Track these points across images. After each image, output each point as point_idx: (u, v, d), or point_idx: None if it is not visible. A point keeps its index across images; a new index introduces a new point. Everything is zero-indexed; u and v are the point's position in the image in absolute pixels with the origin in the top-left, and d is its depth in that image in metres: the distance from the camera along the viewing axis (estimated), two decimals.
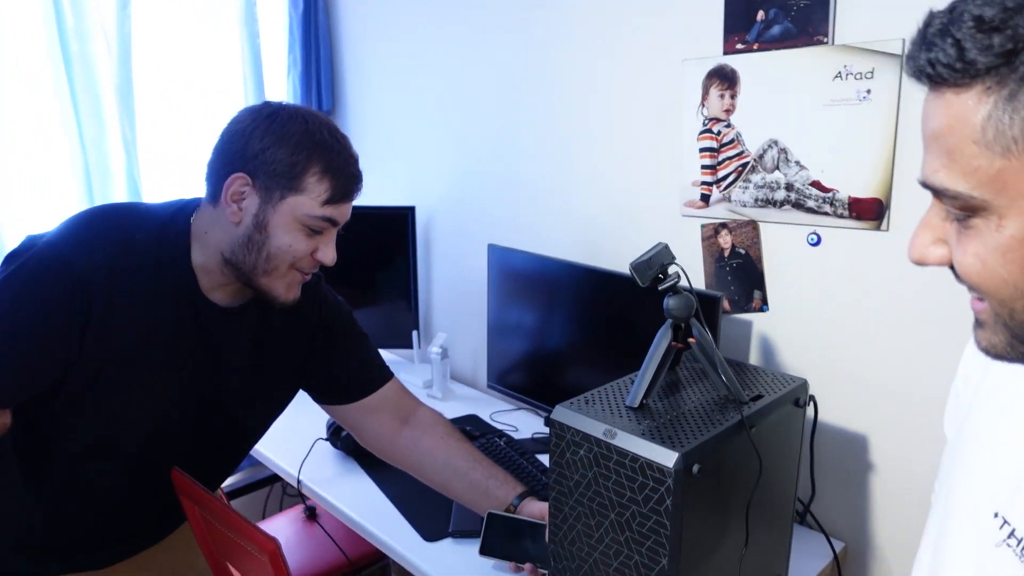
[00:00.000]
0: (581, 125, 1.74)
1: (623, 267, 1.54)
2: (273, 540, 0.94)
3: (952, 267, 0.50)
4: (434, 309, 2.32)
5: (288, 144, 1.01)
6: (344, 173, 1.05)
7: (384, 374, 1.31)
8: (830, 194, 1.32)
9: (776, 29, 1.34)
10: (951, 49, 0.43)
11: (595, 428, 0.92)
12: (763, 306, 1.46)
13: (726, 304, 1.49)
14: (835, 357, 1.37)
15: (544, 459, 1.60)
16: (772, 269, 1.43)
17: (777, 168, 1.38)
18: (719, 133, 1.45)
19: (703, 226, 1.52)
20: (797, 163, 1.35)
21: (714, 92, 1.44)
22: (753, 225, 1.44)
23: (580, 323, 1.68)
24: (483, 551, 1.17)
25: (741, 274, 1.48)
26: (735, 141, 1.43)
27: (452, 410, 1.89)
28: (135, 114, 2.03)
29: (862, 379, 1.34)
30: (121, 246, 1.02)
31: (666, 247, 1.01)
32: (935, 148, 0.47)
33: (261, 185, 1.02)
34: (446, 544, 1.34)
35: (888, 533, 1.35)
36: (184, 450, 1.16)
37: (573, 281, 1.67)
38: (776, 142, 1.37)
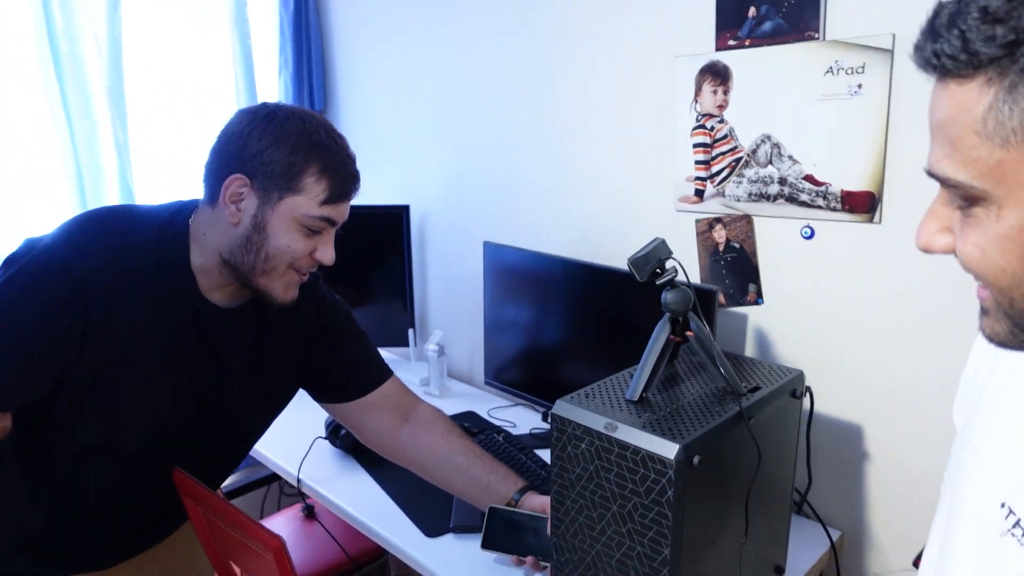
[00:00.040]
0: (575, 122, 1.75)
1: (618, 263, 1.56)
2: (278, 537, 0.95)
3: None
4: (430, 307, 2.32)
5: (286, 145, 1.02)
6: (342, 173, 1.06)
7: (383, 372, 1.32)
8: (823, 188, 1.33)
9: (767, 25, 1.35)
10: (956, 40, 0.44)
11: (596, 422, 0.93)
12: (758, 299, 1.47)
13: (721, 298, 1.50)
14: (829, 348, 1.38)
15: (542, 454, 1.62)
16: (766, 262, 1.45)
17: (770, 163, 1.39)
18: (712, 129, 1.47)
19: (697, 221, 1.53)
20: (790, 157, 1.36)
21: (707, 88, 1.46)
22: (747, 219, 1.45)
23: (576, 318, 1.69)
24: (485, 545, 1.18)
25: (736, 268, 1.49)
26: (728, 136, 1.44)
27: (450, 407, 1.90)
28: (127, 116, 2.02)
29: (856, 370, 1.35)
30: (120, 248, 1.02)
31: (663, 242, 1.02)
32: (939, 138, 0.48)
33: (259, 186, 1.02)
34: (447, 540, 1.35)
35: (883, 521, 1.37)
36: (184, 451, 1.16)
37: (568, 277, 1.68)
38: (769, 137, 1.39)
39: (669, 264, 1.02)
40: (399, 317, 2.21)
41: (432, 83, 2.11)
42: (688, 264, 1.53)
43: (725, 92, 1.43)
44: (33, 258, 0.98)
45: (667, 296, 1.01)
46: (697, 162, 1.50)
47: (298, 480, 1.58)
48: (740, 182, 1.44)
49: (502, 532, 1.19)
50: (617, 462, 0.91)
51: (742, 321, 1.50)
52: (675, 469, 0.85)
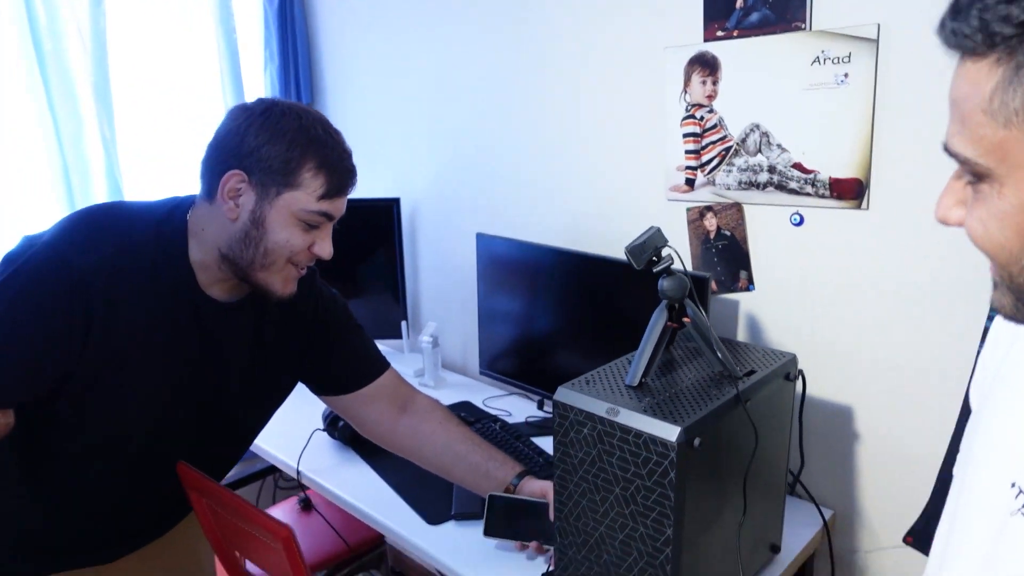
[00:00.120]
0: (565, 113, 1.76)
1: (611, 252, 1.58)
2: (286, 527, 0.96)
3: None
4: (422, 299, 2.33)
5: (283, 140, 1.02)
6: (339, 168, 1.07)
7: (381, 364, 1.33)
8: (811, 175, 1.36)
9: (755, 16, 1.37)
10: (975, 19, 0.45)
11: (598, 407, 0.96)
12: (749, 285, 1.50)
13: (713, 285, 1.53)
14: (820, 332, 1.41)
15: (539, 441, 1.64)
16: (757, 249, 1.48)
17: (760, 151, 1.42)
18: (702, 118, 1.49)
19: (688, 209, 1.55)
20: (779, 146, 1.39)
21: (696, 78, 1.48)
22: (737, 207, 1.48)
23: (569, 307, 1.71)
24: (487, 532, 1.20)
25: (727, 255, 1.52)
26: (718, 126, 1.47)
27: (445, 397, 1.91)
28: (113, 111, 2.01)
29: (846, 353, 1.39)
30: (119, 245, 1.02)
31: (659, 230, 1.04)
32: (954, 114, 0.49)
33: (257, 181, 1.03)
34: (449, 527, 1.37)
35: (873, 499, 1.40)
36: (185, 447, 1.16)
37: (561, 267, 1.70)
38: (758, 126, 1.41)
39: (665, 252, 1.04)
40: (391, 310, 2.22)
41: (420, 75, 2.11)
42: (680, 252, 1.55)
43: (714, 82, 1.45)
44: (32, 256, 0.98)
45: (664, 283, 1.04)
46: (687, 151, 1.53)
47: (298, 472, 1.59)
48: (730, 171, 1.47)
49: (503, 519, 1.21)
50: (619, 446, 0.93)
51: (734, 307, 1.53)
52: (676, 451, 0.88)
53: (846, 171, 1.32)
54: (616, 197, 1.70)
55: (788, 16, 1.33)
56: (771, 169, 1.41)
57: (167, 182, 2.14)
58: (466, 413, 1.82)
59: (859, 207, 1.32)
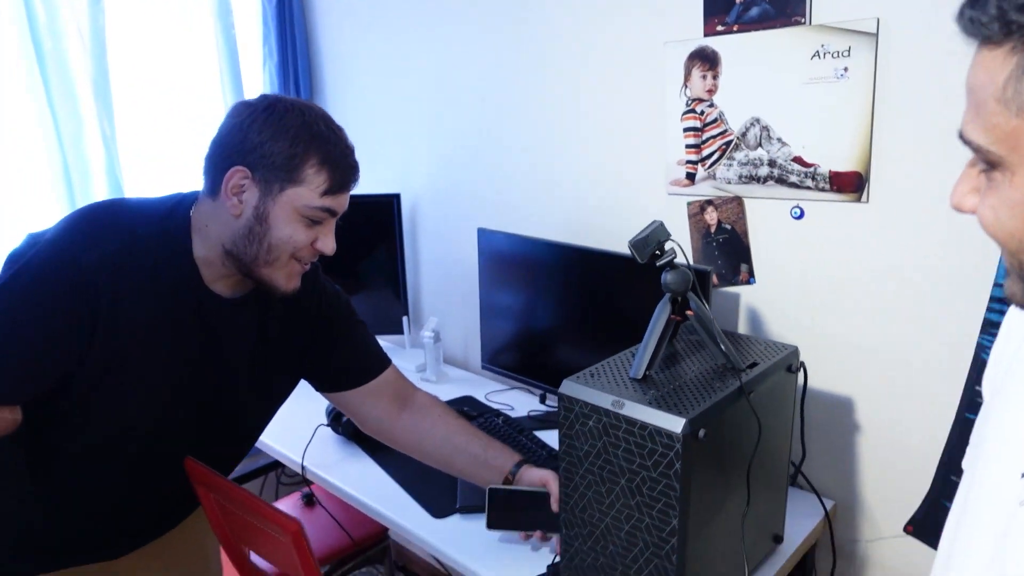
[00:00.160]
0: (566, 109, 1.77)
1: (612, 246, 1.59)
2: (296, 521, 0.97)
3: None
4: (423, 295, 2.34)
5: (286, 137, 1.03)
6: (342, 164, 1.07)
7: (383, 360, 1.34)
8: (811, 169, 1.37)
9: (755, 11, 1.38)
10: (993, 7, 0.45)
11: (603, 400, 0.96)
12: (750, 278, 1.51)
13: (714, 278, 1.54)
14: (821, 325, 1.42)
15: (541, 435, 1.65)
16: (757, 243, 1.48)
17: (760, 145, 1.43)
18: (702, 113, 1.50)
19: (689, 204, 1.56)
20: (779, 140, 1.40)
21: (696, 73, 1.48)
22: (738, 201, 1.49)
23: (571, 301, 1.72)
24: (490, 526, 1.21)
25: (728, 248, 1.53)
26: (718, 120, 1.47)
27: (447, 392, 1.92)
28: (113, 110, 2.01)
29: (847, 345, 1.40)
30: (123, 242, 1.03)
31: (662, 224, 1.05)
32: (970, 102, 0.49)
33: (260, 178, 1.03)
34: (454, 520, 1.38)
35: (874, 490, 1.42)
36: (186, 447, 1.16)
37: (562, 261, 1.71)
38: (758, 120, 1.42)
39: (668, 246, 1.05)
40: (393, 305, 2.23)
41: (419, 70, 2.11)
42: (681, 246, 1.56)
43: (714, 77, 1.46)
44: (37, 254, 0.99)
45: (667, 277, 1.04)
46: (688, 146, 1.53)
47: (302, 467, 1.60)
48: (730, 165, 1.48)
49: (504, 511, 1.22)
50: (625, 438, 0.94)
51: (735, 300, 1.54)
52: (682, 442, 0.89)
53: (846, 165, 1.32)
54: (617, 192, 1.70)
55: (788, 10, 1.34)
56: (771, 163, 1.42)
57: (167, 180, 2.14)
58: (468, 408, 1.83)
59: (859, 200, 1.32)
